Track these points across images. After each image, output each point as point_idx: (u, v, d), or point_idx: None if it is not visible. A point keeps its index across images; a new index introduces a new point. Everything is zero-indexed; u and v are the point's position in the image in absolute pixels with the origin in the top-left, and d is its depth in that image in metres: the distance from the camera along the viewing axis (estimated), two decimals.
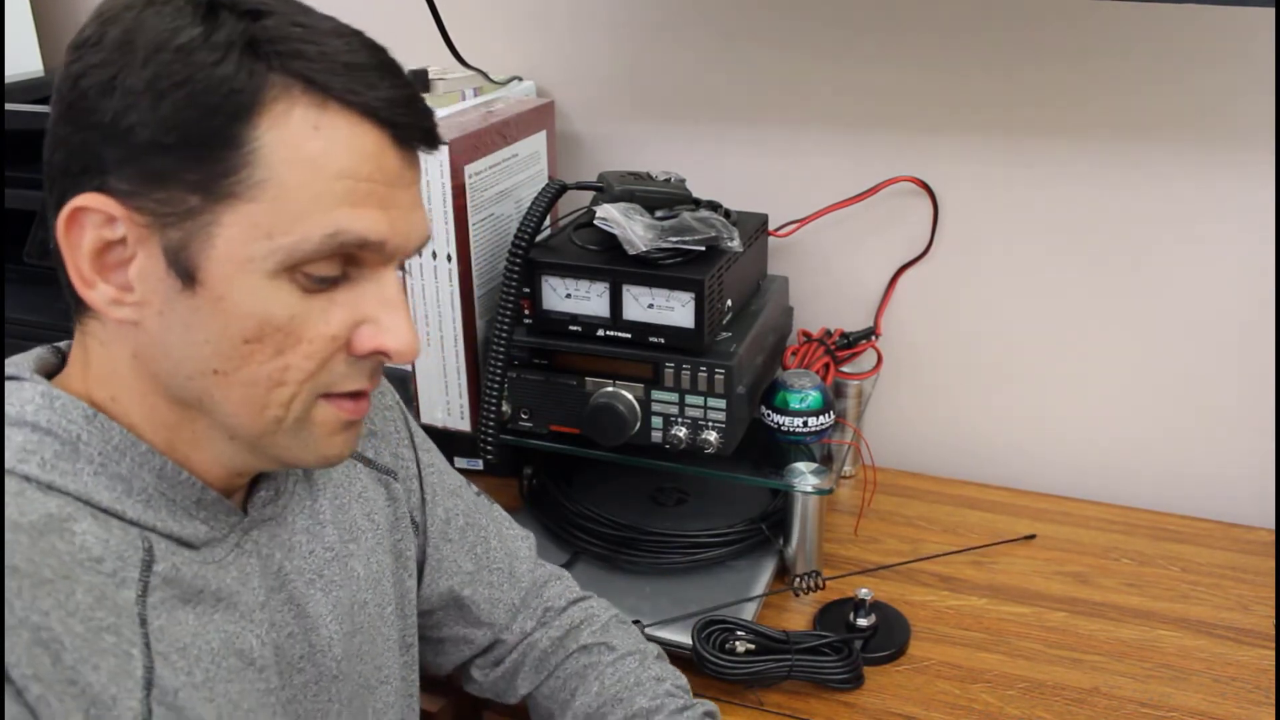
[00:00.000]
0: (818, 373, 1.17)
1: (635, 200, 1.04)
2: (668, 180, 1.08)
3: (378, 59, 0.57)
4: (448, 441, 1.23)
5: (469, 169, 1.06)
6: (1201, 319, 1.21)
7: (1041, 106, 1.19)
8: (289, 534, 0.69)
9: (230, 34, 0.53)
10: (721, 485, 1.19)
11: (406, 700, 0.79)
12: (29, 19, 1.44)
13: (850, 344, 1.27)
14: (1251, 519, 1.23)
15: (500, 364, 1.05)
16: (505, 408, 1.09)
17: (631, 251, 1.01)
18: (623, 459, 1.09)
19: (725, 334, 1.07)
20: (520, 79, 1.34)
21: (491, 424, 1.07)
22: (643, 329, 1.03)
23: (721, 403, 1.02)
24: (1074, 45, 1.15)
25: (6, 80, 1.28)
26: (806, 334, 1.29)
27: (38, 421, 0.57)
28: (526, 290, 1.05)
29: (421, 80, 1.15)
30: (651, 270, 1.01)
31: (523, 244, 1.03)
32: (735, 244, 1.04)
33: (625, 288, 1.02)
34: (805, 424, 1.10)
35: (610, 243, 1.04)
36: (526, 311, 1.07)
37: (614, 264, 1.02)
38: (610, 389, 1.04)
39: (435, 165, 1.03)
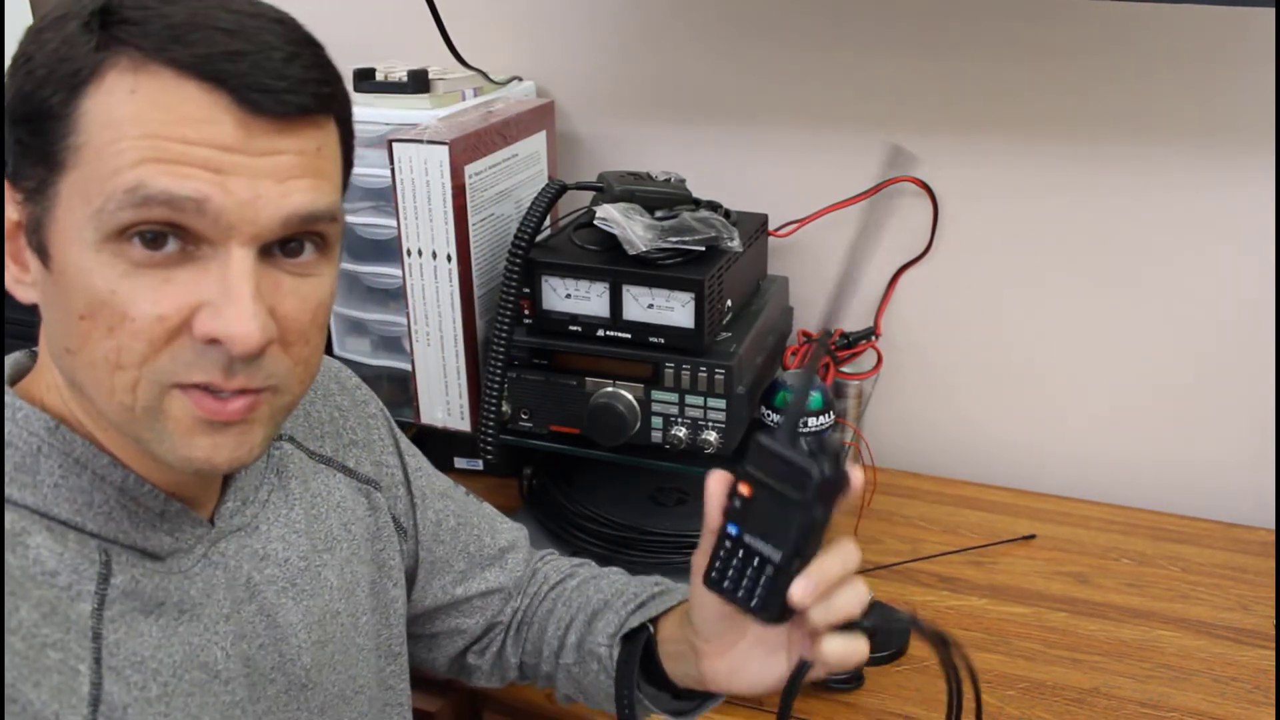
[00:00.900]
0: (818, 372, 1.17)
1: (635, 200, 1.04)
2: (668, 180, 1.08)
3: (234, 21, 0.53)
4: (448, 441, 1.23)
5: (469, 169, 1.06)
6: (1201, 318, 1.21)
7: (1042, 107, 1.19)
8: (261, 543, 0.68)
9: (88, 7, 0.53)
10: None
11: (385, 710, 0.78)
12: (29, 19, 1.44)
13: (850, 344, 1.27)
14: (1251, 519, 1.23)
15: (500, 364, 1.05)
16: (505, 408, 1.09)
17: (631, 251, 1.01)
18: (623, 459, 1.09)
19: (725, 334, 1.07)
20: (520, 79, 1.34)
21: (491, 424, 1.07)
22: (643, 329, 1.03)
23: (721, 403, 1.02)
24: (1074, 45, 1.15)
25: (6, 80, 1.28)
26: (806, 334, 1.30)
27: None
28: (526, 290, 1.05)
29: (421, 80, 1.15)
30: (651, 270, 1.01)
31: (523, 244, 1.03)
32: (735, 244, 1.04)
33: (625, 288, 1.02)
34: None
35: (610, 243, 1.04)
36: (526, 311, 1.07)
37: (614, 264, 1.02)
38: (610, 389, 1.04)
39: (435, 165, 1.03)
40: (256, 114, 0.52)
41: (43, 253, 0.54)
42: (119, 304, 0.53)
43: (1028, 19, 1.16)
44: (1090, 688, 0.98)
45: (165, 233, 0.52)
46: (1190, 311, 1.21)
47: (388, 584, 0.78)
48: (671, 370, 1.02)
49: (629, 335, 1.04)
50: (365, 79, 1.14)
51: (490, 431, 1.07)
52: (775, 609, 0.64)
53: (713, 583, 0.66)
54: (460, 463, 1.32)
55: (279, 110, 0.53)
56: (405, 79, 1.14)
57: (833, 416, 1.12)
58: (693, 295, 1.00)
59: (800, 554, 0.63)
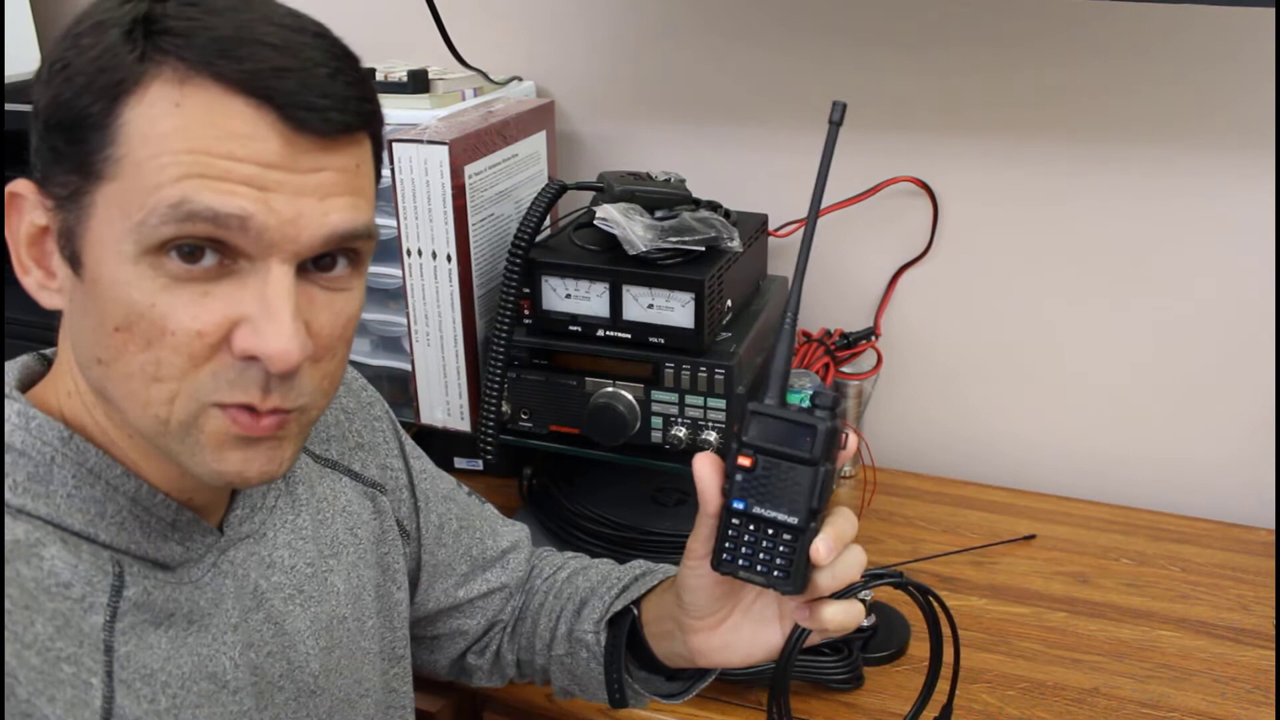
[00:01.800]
0: (818, 373, 1.17)
1: (635, 200, 1.04)
2: (668, 180, 1.08)
3: (278, 36, 0.52)
4: (448, 441, 1.23)
5: (469, 169, 1.06)
6: (1201, 318, 1.21)
7: (1041, 106, 1.19)
8: (269, 550, 0.68)
9: (126, 14, 0.52)
10: None
11: (389, 713, 0.78)
12: (29, 19, 1.44)
13: (850, 344, 1.27)
14: (1251, 519, 1.23)
15: (500, 364, 1.05)
16: (505, 408, 1.09)
17: (631, 251, 1.01)
18: (623, 459, 1.09)
19: (725, 334, 1.07)
20: (520, 79, 1.34)
21: (491, 424, 1.07)
22: (643, 329, 1.03)
23: (721, 403, 1.02)
24: (1074, 45, 1.15)
25: (6, 80, 1.28)
26: (806, 334, 1.29)
27: (12, 443, 0.56)
28: (526, 290, 1.05)
29: (421, 80, 1.15)
30: (651, 270, 1.01)
31: (523, 244, 1.03)
32: (735, 244, 1.04)
33: (625, 288, 1.02)
34: None
35: (610, 243, 1.04)
36: (526, 311, 1.07)
37: (614, 264, 1.02)
38: (610, 389, 1.04)
39: (435, 165, 1.03)
40: (301, 131, 0.52)
41: (74, 261, 0.54)
42: (157, 317, 0.52)
43: (1028, 19, 1.16)
44: (1090, 688, 0.98)
45: (203, 246, 0.52)
46: (1190, 311, 1.21)
47: (392, 588, 0.78)
48: (671, 370, 1.02)
49: (629, 335, 1.04)
50: None
51: (490, 431, 1.07)
52: (801, 577, 0.63)
53: (724, 564, 0.65)
54: (460, 463, 1.32)
55: (324, 129, 0.53)
56: (405, 79, 1.14)
57: None
58: (693, 295, 1.00)
59: (817, 513, 0.62)
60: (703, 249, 1.04)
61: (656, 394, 1.03)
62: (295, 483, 0.72)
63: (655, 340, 1.03)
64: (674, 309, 1.01)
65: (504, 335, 1.05)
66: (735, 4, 1.26)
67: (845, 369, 1.27)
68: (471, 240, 1.09)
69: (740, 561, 0.64)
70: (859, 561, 0.66)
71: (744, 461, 0.64)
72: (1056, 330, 1.27)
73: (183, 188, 0.50)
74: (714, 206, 1.10)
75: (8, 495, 0.55)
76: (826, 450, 0.62)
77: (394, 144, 1.03)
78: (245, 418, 0.55)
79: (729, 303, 1.08)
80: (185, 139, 0.50)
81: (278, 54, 0.51)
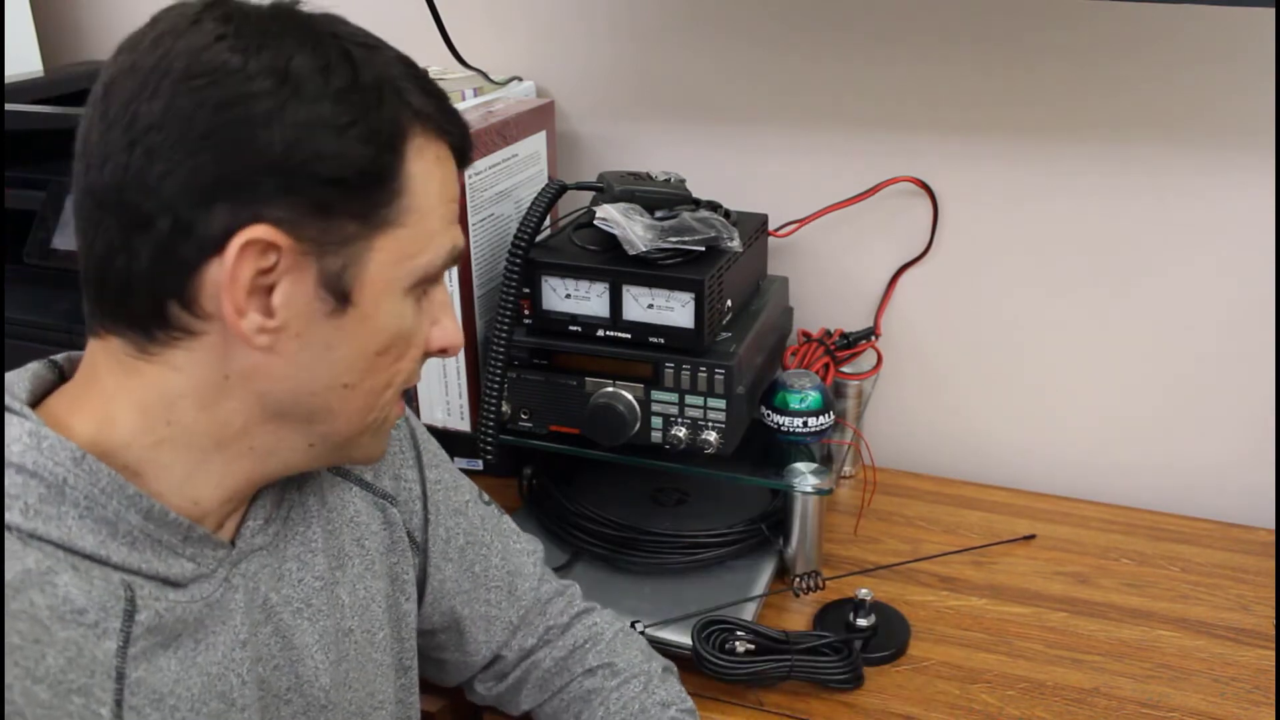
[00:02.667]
0: (818, 373, 1.17)
1: (635, 200, 1.04)
2: (668, 180, 1.08)
3: (441, 89, 0.63)
4: (448, 442, 1.23)
5: (469, 169, 1.06)
6: (1202, 318, 1.21)
7: (1041, 106, 1.19)
8: (279, 562, 0.68)
9: (368, 74, 0.57)
10: (721, 485, 1.19)
11: None
12: (29, 19, 1.44)
13: (850, 344, 1.27)
14: (1251, 519, 1.23)
15: (500, 364, 1.05)
16: (505, 408, 1.09)
17: (631, 252, 1.01)
18: (623, 459, 1.09)
19: (725, 334, 1.07)
20: (520, 79, 1.34)
21: (491, 424, 1.07)
22: (643, 329, 1.03)
23: (721, 403, 1.02)
24: (1074, 45, 1.15)
25: (6, 80, 1.28)
26: (806, 334, 1.29)
27: (24, 464, 0.56)
28: (526, 290, 1.05)
29: None
30: (651, 270, 1.01)
31: (523, 244, 1.03)
32: (735, 244, 1.04)
33: (625, 288, 1.02)
34: (805, 424, 1.10)
35: (610, 243, 1.04)
36: (526, 311, 1.07)
37: (614, 264, 1.02)
38: (610, 389, 1.04)
39: None
40: (459, 172, 0.65)
41: (342, 298, 0.58)
42: (413, 336, 0.63)
43: (1029, 19, 1.16)
44: (1090, 688, 0.98)
45: None
46: (1190, 311, 1.21)
47: (400, 599, 0.78)
48: (671, 370, 1.02)
49: (629, 335, 1.04)
50: None
51: (490, 431, 1.07)
52: None
53: None
54: (460, 463, 1.32)
55: (465, 166, 0.66)
56: None
57: (833, 416, 1.12)
58: (693, 295, 1.00)
59: None
60: (703, 249, 1.04)
61: (656, 394, 1.03)
62: (307, 492, 0.72)
63: (655, 340, 1.03)
64: (674, 309, 1.01)
65: (504, 335, 1.05)
66: (735, 4, 1.26)
67: (845, 369, 1.27)
68: (471, 240, 1.09)
69: None
70: None
71: None
72: (1057, 330, 1.27)
73: (453, 233, 0.63)
74: (714, 206, 1.10)
75: (19, 520, 0.55)
76: None
77: None
78: (402, 400, 0.67)
79: (729, 303, 1.08)
80: (444, 189, 0.62)
81: (451, 111, 0.63)
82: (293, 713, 0.67)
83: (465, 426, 1.14)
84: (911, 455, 1.36)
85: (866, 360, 1.31)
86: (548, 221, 1.10)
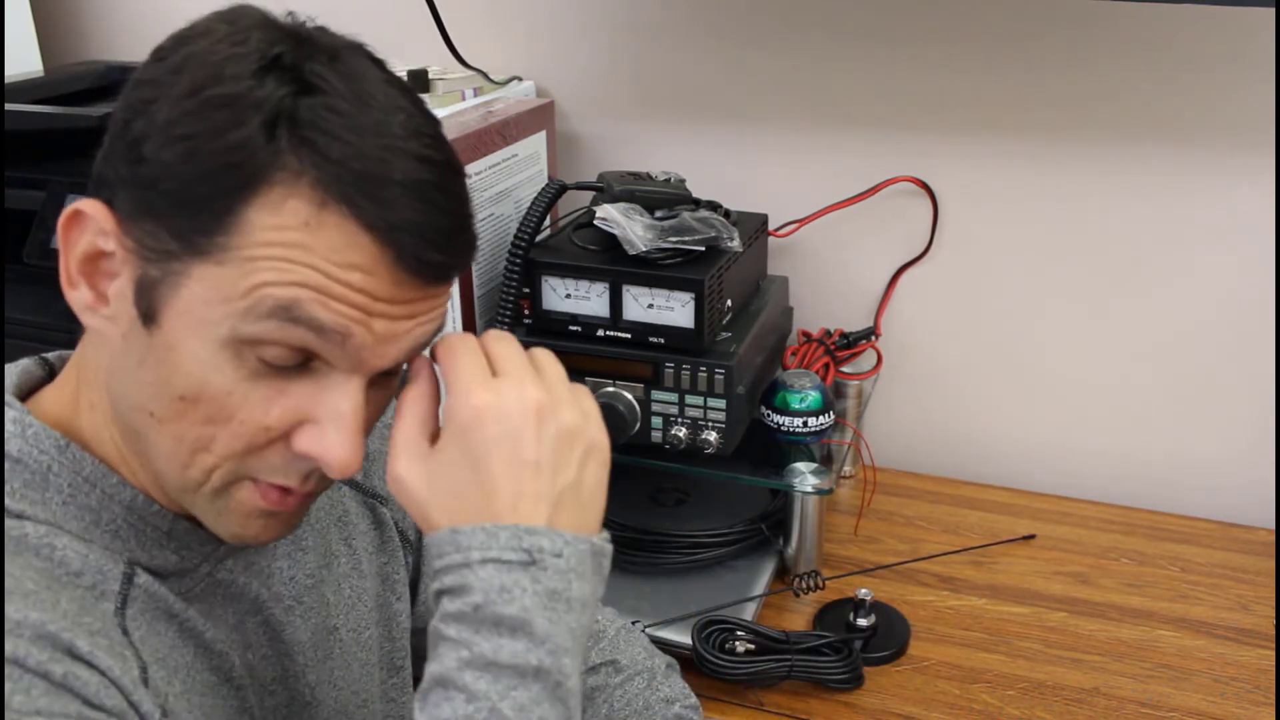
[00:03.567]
0: (818, 373, 1.17)
1: (635, 200, 1.04)
2: (668, 180, 1.08)
3: (415, 174, 0.53)
4: None
5: (469, 169, 1.06)
6: (1201, 318, 1.21)
7: (1041, 106, 1.19)
8: (268, 560, 0.68)
9: (266, 98, 0.51)
10: (721, 485, 1.19)
11: None
12: (29, 19, 1.44)
13: (850, 344, 1.27)
14: (1251, 519, 1.23)
15: None
16: None
17: (631, 251, 1.01)
18: (623, 459, 1.09)
19: (725, 334, 1.07)
20: (520, 79, 1.34)
21: None
22: (643, 329, 1.03)
23: (721, 403, 1.02)
24: (1074, 45, 1.15)
25: (6, 80, 1.28)
26: (806, 334, 1.29)
27: (9, 450, 0.57)
28: (526, 290, 1.05)
29: (421, 80, 1.15)
30: (651, 270, 1.01)
31: (523, 244, 1.03)
32: (735, 244, 1.04)
33: (625, 288, 1.02)
34: (805, 424, 1.09)
35: (610, 243, 1.04)
36: (526, 311, 1.07)
37: (614, 264, 1.02)
38: (610, 389, 1.04)
39: None
40: (415, 278, 0.54)
41: (148, 315, 0.53)
42: (231, 404, 0.54)
43: (1029, 19, 1.16)
44: (1090, 688, 0.98)
45: (295, 354, 0.53)
46: (1189, 311, 1.21)
47: (391, 598, 0.78)
48: (671, 370, 1.02)
49: (629, 335, 1.04)
50: None
51: None
52: None
53: None
54: None
55: (436, 278, 0.55)
56: (405, 79, 1.14)
57: (833, 416, 1.12)
58: (693, 295, 1.00)
59: None
60: (703, 249, 1.03)
61: (656, 394, 1.03)
62: None
63: (655, 340, 1.03)
64: (674, 309, 1.01)
65: None
66: (735, 4, 1.26)
67: (845, 369, 1.27)
68: None
69: None
70: None
71: None
72: (1057, 330, 1.27)
73: (295, 293, 0.51)
74: (714, 206, 1.10)
75: (7, 501, 0.56)
76: None
77: None
78: (276, 495, 0.57)
79: (729, 302, 1.08)
80: (308, 255, 0.51)
81: (411, 201, 0.52)
82: (276, 704, 0.67)
83: None
84: (911, 455, 1.36)
85: (866, 360, 1.31)
86: (548, 221, 1.10)
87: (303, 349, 0.53)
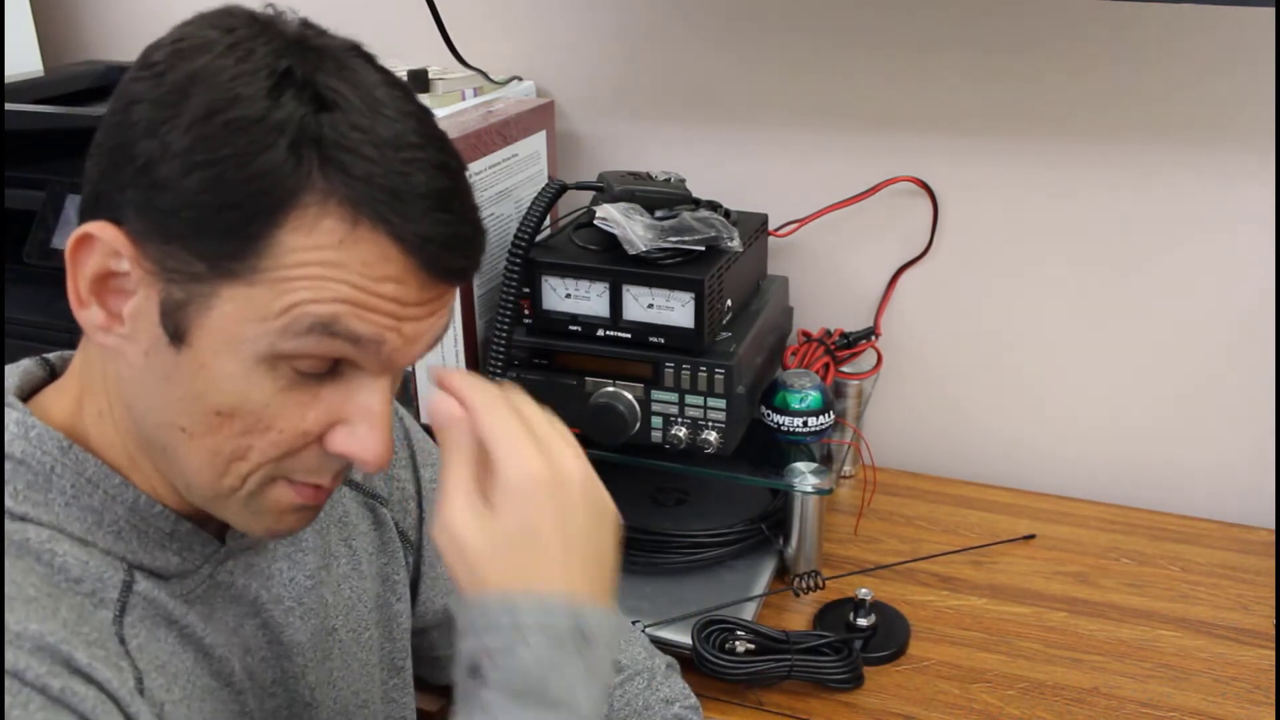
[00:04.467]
0: (818, 373, 1.17)
1: (635, 200, 1.04)
2: (668, 180, 1.08)
3: (433, 183, 0.55)
4: None
5: (469, 169, 1.06)
6: (1201, 318, 1.21)
7: (1041, 107, 1.19)
8: (268, 561, 0.68)
9: (286, 119, 0.51)
10: (721, 485, 1.19)
11: None
12: (29, 19, 1.44)
13: (850, 344, 1.27)
14: (1251, 519, 1.23)
15: (500, 364, 1.05)
16: None
17: (631, 251, 1.01)
18: (623, 459, 1.09)
19: (725, 334, 1.07)
20: (520, 79, 1.34)
21: None
22: (643, 329, 1.03)
23: (721, 403, 1.02)
24: (1075, 45, 1.15)
25: (6, 80, 1.28)
26: (806, 334, 1.29)
27: (12, 452, 0.57)
28: (526, 290, 1.05)
29: (421, 80, 1.15)
30: (651, 270, 1.01)
31: (523, 244, 1.03)
32: (735, 244, 1.04)
33: (625, 288, 1.02)
34: (805, 424, 1.09)
35: (610, 243, 1.04)
36: (526, 311, 1.07)
37: (614, 264, 1.02)
38: (610, 389, 1.04)
39: None
40: (439, 281, 0.56)
41: (177, 334, 0.54)
42: (269, 416, 0.55)
43: (1029, 20, 1.16)
44: (1090, 688, 0.98)
45: (333, 362, 0.55)
46: (1191, 311, 1.21)
47: (391, 599, 0.78)
48: (671, 370, 1.02)
49: (629, 335, 1.04)
50: None
51: None
52: None
53: None
54: None
55: (456, 280, 0.58)
56: (405, 79, 1.14)
57: (833, 416, 1.12)
58: (693, 295, 1.00)
59: None
60: (703, 249, 1.04)
61: (656, 394, 1.03)
62: None
63: (655, 340, 1.03)
64: (674, 309, 1.01)
65: (504, 335, 1.05)
66: (736, 4, 1.26)
67: (845, 369, 1.27)
68: None
69: None
70: None
71: None
72: (1057, 330, 1.27)
73: (334, 309, 0.53)
74: (714, 206, 1.10)
75: (9, 503, 0.56)
76: None
77: None
78: (310, 492, 0.59)
79: (729, 302, 1.08)
80: (343, 272, 0.53)
81: (436, 212, 0.54)
82: (276, 706, 0.67)
83: None
84: (911, 455, 1.36)
85: (866, 360, 1.31)
86: (548, 221, 1.10)
87: (340, 359, 0.55)
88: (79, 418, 0.60)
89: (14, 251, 1.14)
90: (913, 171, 1.25)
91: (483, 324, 1.13)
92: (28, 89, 1.27)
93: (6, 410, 0.58)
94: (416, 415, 1.15)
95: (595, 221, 1.04)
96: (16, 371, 0.62)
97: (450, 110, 1.14)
